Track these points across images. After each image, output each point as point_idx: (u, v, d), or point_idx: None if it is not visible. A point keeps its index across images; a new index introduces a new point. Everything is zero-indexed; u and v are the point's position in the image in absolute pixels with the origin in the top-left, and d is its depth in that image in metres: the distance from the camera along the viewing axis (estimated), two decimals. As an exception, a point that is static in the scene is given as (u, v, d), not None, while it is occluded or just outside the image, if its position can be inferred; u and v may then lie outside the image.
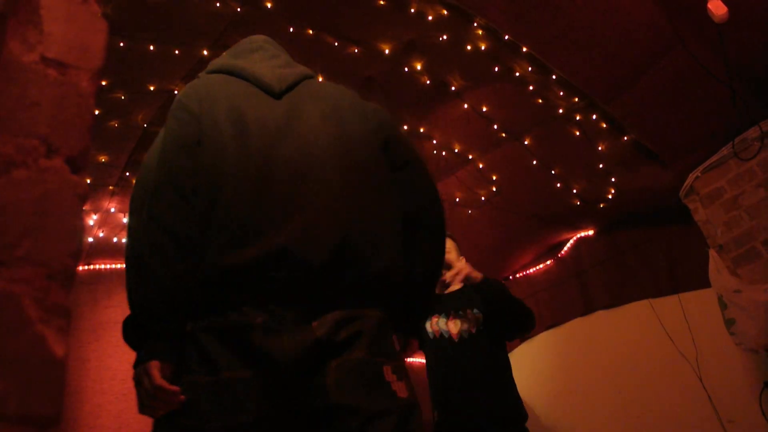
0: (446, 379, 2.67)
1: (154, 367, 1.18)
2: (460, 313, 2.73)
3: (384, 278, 1.33)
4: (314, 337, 1.20)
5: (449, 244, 2.92)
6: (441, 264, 1.53)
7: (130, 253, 1.34)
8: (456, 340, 2.67)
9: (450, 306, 2.78)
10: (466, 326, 2.68)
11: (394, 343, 1.35)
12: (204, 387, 1.16)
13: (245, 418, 1.14)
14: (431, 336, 2.74)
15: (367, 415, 1.16)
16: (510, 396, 2.62)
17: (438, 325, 2.74)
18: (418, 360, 5.80)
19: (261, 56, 1.60)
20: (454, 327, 2.70)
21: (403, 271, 1.39)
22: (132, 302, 1.28)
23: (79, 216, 0.69)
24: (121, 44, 2.94)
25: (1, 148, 0.66)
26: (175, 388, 1.16)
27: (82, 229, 0.69)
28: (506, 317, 2.68)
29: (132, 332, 1.26)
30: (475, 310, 2.71)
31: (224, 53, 1.68)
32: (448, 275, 2.73)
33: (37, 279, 0.63)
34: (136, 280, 1.28)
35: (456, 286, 2.81)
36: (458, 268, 2.73)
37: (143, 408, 1.21)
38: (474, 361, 2.61)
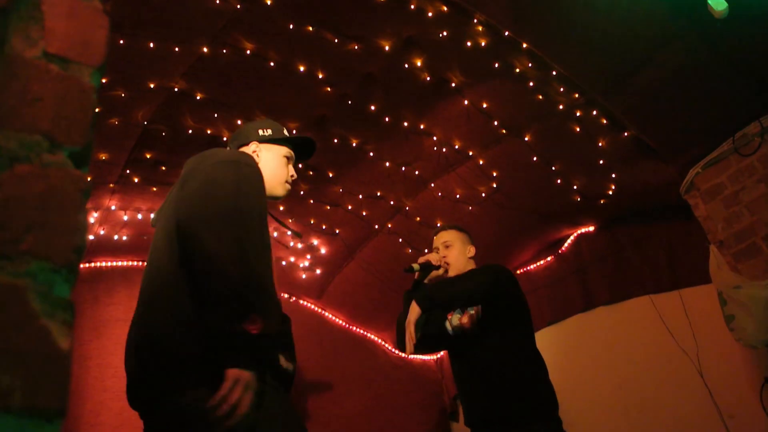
0: (463, 370, 2.69)
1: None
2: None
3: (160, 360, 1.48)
4: None
5: (450, 235, 2.96)
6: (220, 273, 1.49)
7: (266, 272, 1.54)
8: (468, 332, 2.66)
9: None
10: (473, 317, 2.67)
11: None
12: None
13: None
14: (450, 333, 2.73)
15: None
16: (531, 385, 2.55)
17: (452, 322, 2.74)
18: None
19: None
20: (466, 319, 2.68)
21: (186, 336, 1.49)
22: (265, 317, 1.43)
23: (83, 210, 0.70)
24: (121, 42, 2.94)
25: (5, 143, 0.67)
26: None
27: (85, 224, 0.70)
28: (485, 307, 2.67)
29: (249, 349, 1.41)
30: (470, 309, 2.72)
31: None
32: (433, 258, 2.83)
33: (42, 273, 0.63)
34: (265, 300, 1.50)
35: (451, 273, 2.84)
36: (435, 256, 2.84)
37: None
38: (485, 351, 2.61)
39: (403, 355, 2.90)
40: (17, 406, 0.55)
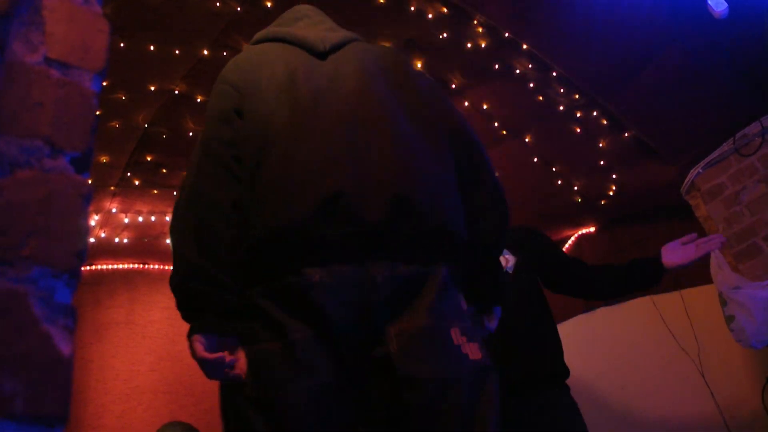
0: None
1: (196, 340, 1.18)
2: None
3: (445, 233, 1.28)
4: (374, 298, 1.17)
5: None
6: (503, 229, 1.46)
7: (177, 226, 1.31)
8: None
9: None
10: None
11: (460, 302, 1.31)
12: (274, 353, 1.15)
13: (320, 380, 1.12)
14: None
15: (437, 384, 1.12)
16: (548, 349, 2.36)
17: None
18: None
19: (306, 23, 1.62)
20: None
21: (463, 228, 1.34)
22: (180, 274, 1.25)
23: (84, 216, 0.70)
24: (122, 44, 2.95)
25: (5, 149, 0.67)
26: (218, 354, 1.17)
27: (86, 229, 0.70)
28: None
29: (183, 304, 1.24)
30: (505, 252, 2.45)
31: (270, 25, 1.70)
32: None
33: (43, 278, 0.63)
34: (184, 251, 1.25)
35: None
36: None
37: (207, 375, 1.22)
38: (509, 309, 2.42)
39: None
40: (19, 413, 0.55)
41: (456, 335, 1.18)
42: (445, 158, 1.40)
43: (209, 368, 1.18)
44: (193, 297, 1.21)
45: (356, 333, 1.17)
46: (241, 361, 1.19)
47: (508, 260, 2.41)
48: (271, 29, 1.61)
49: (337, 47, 1.50)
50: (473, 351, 1.19)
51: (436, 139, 1.41)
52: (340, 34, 1.56)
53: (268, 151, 1.26)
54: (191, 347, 1.19)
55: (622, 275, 2.43)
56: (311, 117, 1.30)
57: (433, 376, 1.13)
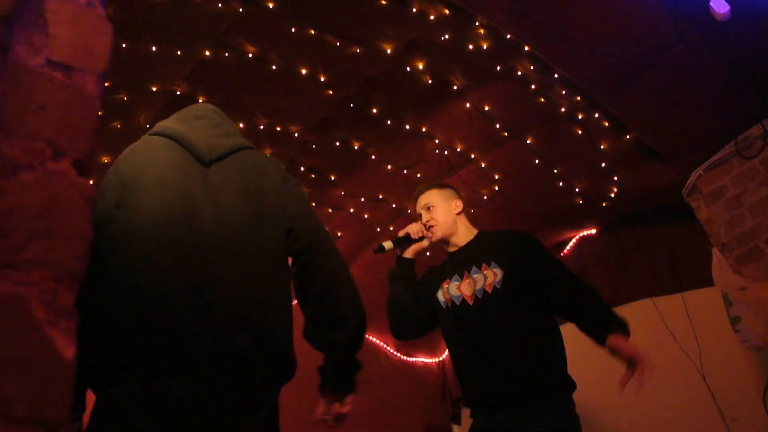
0: (464, 348, 2.32)
1: None
2: (474, 268, 2.36)
3: (281, 361, 1.42)
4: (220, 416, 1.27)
5: (429, 197, 2.57)
6: (354, 340, 1.56)
7: None
8: (471, 304, 2.30)
9: (463, 264, 2.40)
10: (480, 285, 2.31)
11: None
12: None
13: None
14: (443, 306, 2.39)
15: None
16: (542, 362, 2.21)
17: (449, 291, 2.39)
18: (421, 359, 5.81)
19: (202, 124, 1.65)
20: (467, 288, 2.33)
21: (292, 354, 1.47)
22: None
23: (87, 218, 0.69)
24: (123, 45, 2.95)
25: (8, 151, 0.66)
26: None
27: (89, 232, 0.69)
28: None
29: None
30: (493, 265, 2.32)
31: (172, 116, 1.74)
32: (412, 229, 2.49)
33: (45, 281, 0.63)
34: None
35: (462, 241, 2.50)
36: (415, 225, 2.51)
37: None
38: (493, 324, 2.24)
39: (400, 340, 2.66)
40: (21, 416, 0.55)
41: None
42: (286, 288, 1.51)
43: None
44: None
45: None
46: None
47: (496, 274, 2.31)
48: (168, 125, 1.64)
49: (223, 156, 1.56)
50: None
51: (283, 269, 1.52)
52: (230, 141, 1.62)
53: (137, 255, 1.32)
54: None
55: (576, 320, 2.35)
56: (182, 231, 1.37)
57: None
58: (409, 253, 2.55)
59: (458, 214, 2.55)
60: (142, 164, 1.48)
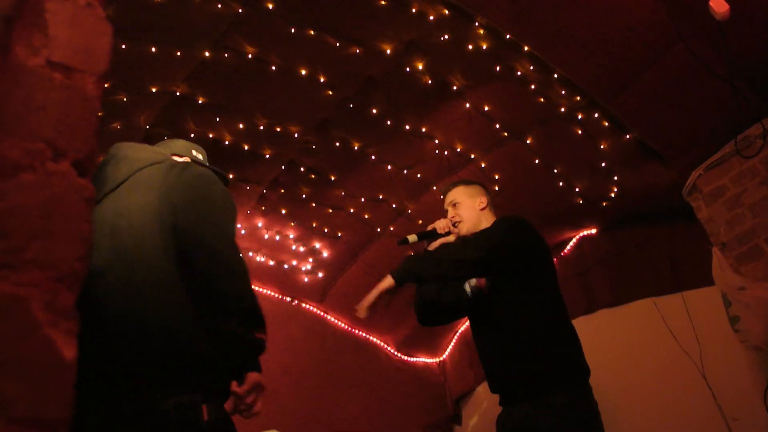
0: (484, 335, 2.45)
1: None
2: None
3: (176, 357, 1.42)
4: None
5: (455, 194, 2.69)
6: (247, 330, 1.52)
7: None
8: (486, 293, 2.42)
9: None
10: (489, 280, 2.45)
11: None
12: None
13: None
14: (470, 295, 2.49)
15: None
16: (549, 353, 2.28)
17: (470, 282, 2.50)
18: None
19: (111, 168, 1.72)
20: (483, 280, 2.46)
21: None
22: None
23: (87, 219, 0.69)
24: (123, 46, 2.95)
25: (8, 152, 0.66)
26: None
27: (89, 232, 0.70)
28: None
29: None
30: None
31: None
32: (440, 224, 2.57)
33: (45, 282, 0.63)
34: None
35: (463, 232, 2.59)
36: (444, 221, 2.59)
37: None
38: (500, 315, 2.36)
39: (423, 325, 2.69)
40: (21, 416, 0.55)
41: None
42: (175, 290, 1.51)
43: None
44: None
45: None
46: None
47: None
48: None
49: (119, 184, 1.65)
50: None
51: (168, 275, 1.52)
52: (123, 170, 1.68)
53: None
54: None
55: None
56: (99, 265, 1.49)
57: None
58: (435, 247, 2.59)
59: (482, 209, 2.67)
60: None
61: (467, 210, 2.62)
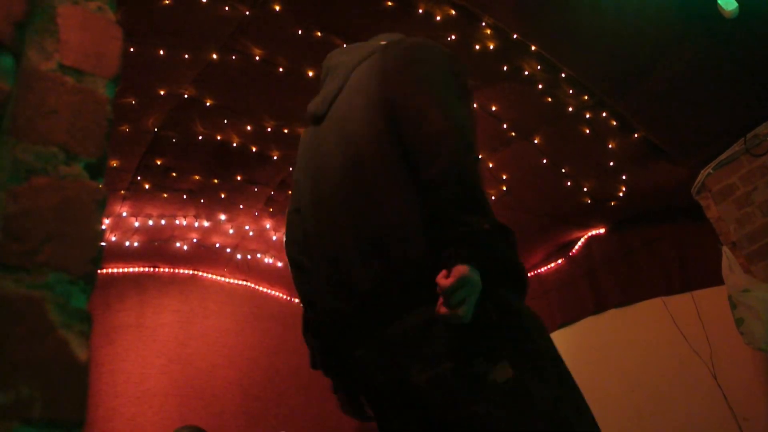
0: None
1: None
2: None
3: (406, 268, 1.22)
4: None
5: None
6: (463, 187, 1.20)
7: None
8: None
9: None
10: None
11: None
12: None
13: None
14: None
15: None
16: None
17: None
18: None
19: (331, 78, 1.65)
20: None
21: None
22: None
23: (99, 221, 0.70)
24: (132, 49, 2.96)
25: (22, 156, 0.67)
26: None
27: (101, 235, 0.70)
28: None
29: None
30: None
31: None
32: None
33: (59, 284, 0.63)
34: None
35: None
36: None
37: None
38: None
39: None
40: (37, 418, 0.56)
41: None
42: (401, 192, 1.30)
43: None
44: None
45: None
46: None
47: None
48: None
49: (330, 106, 1.56)
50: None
51: (389, 179, 1.31)
52: (335, 85, 1.57)
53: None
54: None
55: None
56: (304, 193, 1.53)
57: None
58: None
59: None
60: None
61: None
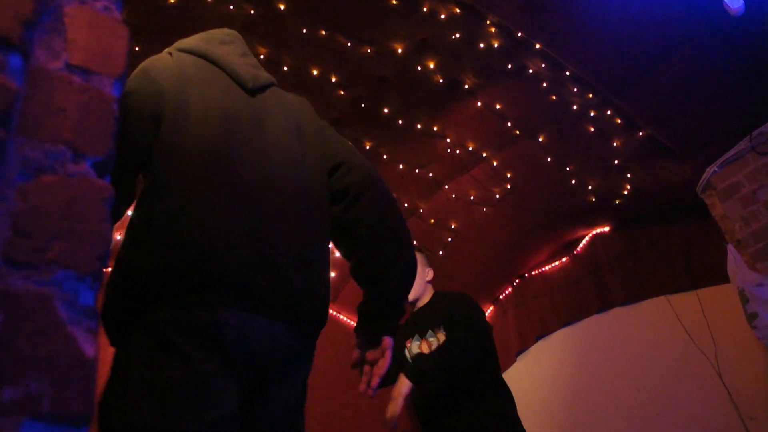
0: (425, 403, 2.53)
1: None
2: (430, 332, 2.60)
3: (323, 310, 1.32)
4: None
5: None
6: (405, 281, 1.45)
7: None
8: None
9: (421, 326, 2.65)
10: (435, 346, 2.53)
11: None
12: (178, 381, 1.05)
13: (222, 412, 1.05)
14: (409, 361, 2.60)
15: None
16: (491, 418, 2.40)
17: (411, 350, 2.62)
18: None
19: (233, 50, 1.54)
20: (426, 348, 2.56)
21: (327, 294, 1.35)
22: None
23: (106, 219, 0.71)
24: (137, 48, 2.97)
25: (30, 154, 0.68)
26: None
27: (109, 232, 0.71)
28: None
29: None
30: (441, 329, 2.57)
31: (194, 36, 1.58)
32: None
33: (67, 281, 0.64)
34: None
35: (423, 302, 2.72)
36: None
37: None
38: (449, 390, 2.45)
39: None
40: (46, 413, 0.57)
41: None
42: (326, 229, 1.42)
43: None
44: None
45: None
46: None
47: (439, 339, 2.54)
48: (200, 44, 1.50)
49: (263, 88, 1.49)
50: None
51: (325, 209, 1.42)
52: (264, 74, 1.54)
53: (179, 175, 1.20)
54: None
55: None
56: (227, 156, 1.25)
57: None
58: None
59: (428, 281, 2.80)
60: (183, 81, 1.34)
61: (416, 280, 2.57)
